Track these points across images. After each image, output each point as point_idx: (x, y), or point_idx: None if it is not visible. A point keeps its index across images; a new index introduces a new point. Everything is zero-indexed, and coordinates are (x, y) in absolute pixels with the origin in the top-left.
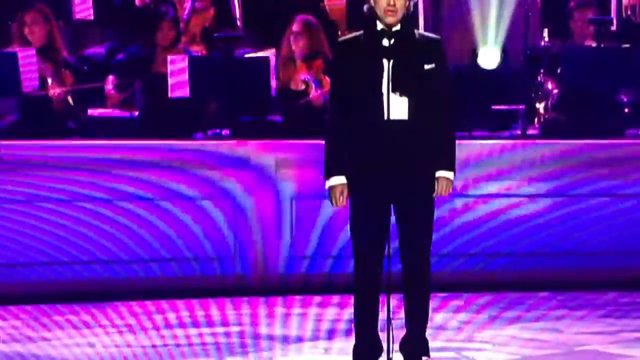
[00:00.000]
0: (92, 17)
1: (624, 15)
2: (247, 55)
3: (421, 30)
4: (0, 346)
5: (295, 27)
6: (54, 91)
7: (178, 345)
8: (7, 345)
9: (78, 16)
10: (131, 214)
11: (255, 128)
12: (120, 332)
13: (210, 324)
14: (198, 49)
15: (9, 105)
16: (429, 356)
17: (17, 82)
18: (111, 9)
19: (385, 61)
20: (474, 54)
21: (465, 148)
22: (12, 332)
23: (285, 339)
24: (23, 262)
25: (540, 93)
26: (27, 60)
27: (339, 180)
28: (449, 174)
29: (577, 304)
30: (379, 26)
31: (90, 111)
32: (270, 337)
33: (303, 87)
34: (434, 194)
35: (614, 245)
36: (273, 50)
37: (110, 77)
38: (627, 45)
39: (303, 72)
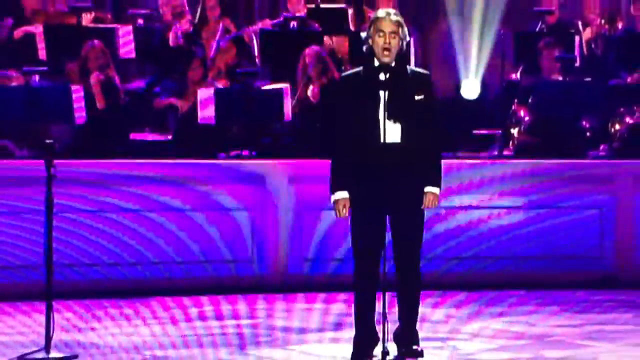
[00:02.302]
0: (134, 56)
1: (585, 51)
2: (264, 88)
3: (412, 66)
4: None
5: (308, 60)
6: (101, 104)
7: (213, 335)
8: (55, 333)
9: (122, 55)
10: (167, 222)
11: (272, 149)
12: (163, 324)
13: (233, 317)
14: (223, 83)
15: (63, 130)
16: (419, 345)
17: (70, 110)
18: (150, 49)
19: (381, 93)
20: (458, 86)
21: (450, 166)
22: (63, 323)
23: (296, 330)
24: (78, 263)
25: (514, 120)
26: (77, 96)
27: (342, 194)
28: (436, 190)
29: (548, 301)
30: (376, 63)
31: (132, 135)
32: (285, 329)
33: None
34: (422, 206)
35: (581, 250)
36: (288, 85)
37: None
38: (589, 79)
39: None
